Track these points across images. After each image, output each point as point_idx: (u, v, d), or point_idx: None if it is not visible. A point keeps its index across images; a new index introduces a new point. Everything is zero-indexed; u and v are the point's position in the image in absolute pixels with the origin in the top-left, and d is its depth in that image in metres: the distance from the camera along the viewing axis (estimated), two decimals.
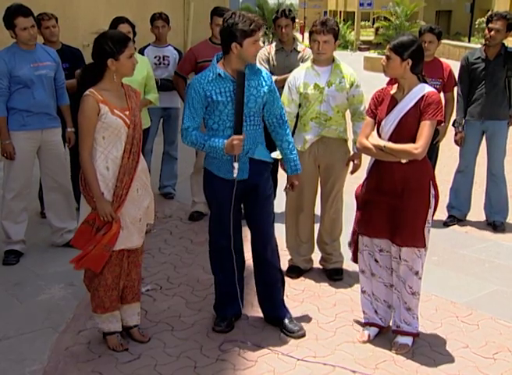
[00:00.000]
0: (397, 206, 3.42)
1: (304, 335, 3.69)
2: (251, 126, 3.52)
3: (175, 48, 6.12)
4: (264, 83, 3.54)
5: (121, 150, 3.29)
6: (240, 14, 3.38)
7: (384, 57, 3.41)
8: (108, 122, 3.24)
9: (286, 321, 3.73)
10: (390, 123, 3.41)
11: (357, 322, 3.82)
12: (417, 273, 3.49)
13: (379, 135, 3.50)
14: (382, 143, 3.39)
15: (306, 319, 3.89)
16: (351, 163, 4.39)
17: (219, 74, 3.44)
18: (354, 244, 3.69)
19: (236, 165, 3.43)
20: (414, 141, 3.36)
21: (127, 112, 3.31)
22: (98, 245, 3.25)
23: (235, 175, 3.45)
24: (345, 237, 4.51)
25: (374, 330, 3.69)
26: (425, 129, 3.31)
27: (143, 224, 3.49)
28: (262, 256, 3.72)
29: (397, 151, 3.34)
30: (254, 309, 3.92)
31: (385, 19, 28.50)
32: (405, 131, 3.36)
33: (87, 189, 3.30)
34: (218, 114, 3.46)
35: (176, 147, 6.35)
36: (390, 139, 3.41)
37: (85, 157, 3.25)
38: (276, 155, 3.95)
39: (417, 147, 3.30)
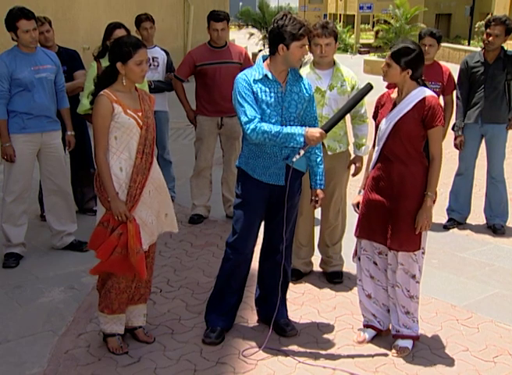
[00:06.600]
0: (393, 208, 3.42)
1: (295, 334, 3.69)
2: None
3: (161, 49, 6.06)
4: (305, 91, 3.51)
5: (134, 150, 3.31)
6: (291, 17, 3.35)
7: (385, 63, 3.41)
8: (121, 121, 3.27)
9: (280, 321, 3.72)
10: (387, 125, 3.42)
11: (358, 325, 3.82)
12: (414, 277, 3.48)
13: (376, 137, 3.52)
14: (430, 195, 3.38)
15: (306, 322, 3.89)
16: (353, 166, 4.39)
17: (266, 75, 3.41)
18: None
19: (302, 152, 3.34)
20: (410, 142, 3.38)
21: (140, 113, 3.36)
22: (132, 252, 3.22)
23: (294, 159, 3.37)
24: (346, 240, 4.52)
25: (370, 332, 3.69)
26: (436, 135, 3.38)
27: (155, 227, 3.45)
28: (271, 257, 3.68)
29: (437, 179, 3.40)
30: (253, 312, 3.91)
31: (385, 22, 28.50)
32: (402, 133, 3.37)
33: (101, 189, 3.31)
34: (261, 113, 3.39)
35: (168, 151, 6.25)
36: (387, 141, 3.42)
37: (100, 157, 3.26)
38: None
39: (436, 156, 3.38)
